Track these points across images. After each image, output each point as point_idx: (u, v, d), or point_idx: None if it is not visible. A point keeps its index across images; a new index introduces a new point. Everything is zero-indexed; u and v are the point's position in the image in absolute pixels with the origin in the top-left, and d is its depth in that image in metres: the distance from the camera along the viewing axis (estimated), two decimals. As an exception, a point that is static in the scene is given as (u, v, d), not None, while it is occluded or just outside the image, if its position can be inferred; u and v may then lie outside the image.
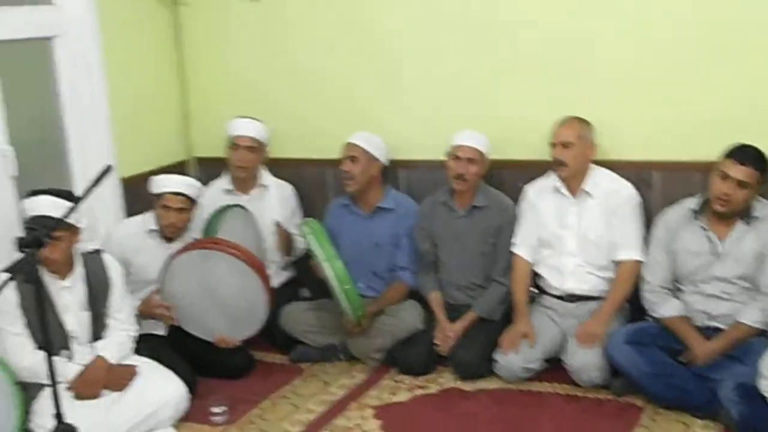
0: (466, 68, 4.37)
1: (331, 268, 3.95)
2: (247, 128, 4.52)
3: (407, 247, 4.30)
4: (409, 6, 4.45)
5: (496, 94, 4.32)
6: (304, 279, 4.70)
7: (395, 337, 4.13)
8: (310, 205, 4.75)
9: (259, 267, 3.99)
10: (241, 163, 4.52)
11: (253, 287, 3.97)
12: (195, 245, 4.03)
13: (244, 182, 4.59)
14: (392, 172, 4.50)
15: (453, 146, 4.11)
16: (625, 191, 3.94)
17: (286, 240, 4.54)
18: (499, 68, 4.30)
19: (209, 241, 4.07)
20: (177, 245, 4.09)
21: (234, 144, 4.52)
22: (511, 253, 4.08)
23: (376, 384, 4.00)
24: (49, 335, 2.98)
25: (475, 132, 4.14)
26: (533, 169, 4.19)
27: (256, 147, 4.54)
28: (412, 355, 4.06)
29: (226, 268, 3.95)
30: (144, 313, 3.99)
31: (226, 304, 4.01)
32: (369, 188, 4.31)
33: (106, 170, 2.89)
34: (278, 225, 4.50)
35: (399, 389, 3.94)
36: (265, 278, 4.00)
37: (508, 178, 4.32)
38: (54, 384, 2.95)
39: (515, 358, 3.88)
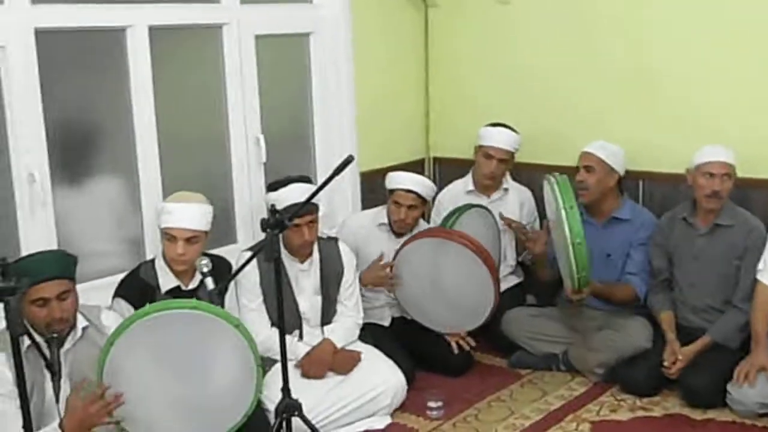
0: (717, 75, 4.13)
1: (567, 218, 3.75)
2: (502, 140, 4.46)
3: (638, 257, 4.13)
4: (658, 5, 4.28)
5: (750, 107, 4.06)
6: (530, 285, 4.65)
7: (620, 354, 3.98)
8: (542, 211, 4.69)
9: (489, 260, 3.98)
10: (493, 174, 4.49)
11: (481, 281, 3.97)
12: (428, 233, 4.09)
13: (488, 187, 4.60)
14: (629, 183, 4.33)
15: (703, 162, 3.84)
16: None
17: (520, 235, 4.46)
18: (757, 77, 4.03)
19: (442, 231, 4.11)
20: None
21: (486, 154, 4.47)
22: (755, 279, 3.80)
23: (596, 399, 3.88)
24: (283, 314, 3.15)
25: (722, 146, 3.90)
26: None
27: (508, 159, 4.52)
28: (637, 374, 3.90)
29: (456, 259, 3.98)
30: (366, 281, 4.08)
31: (453, 295, 4.05)
32: (603, 199, 4.17)
33: (348, 160, 3.01)
34: (507, 220, 4.46)
35: (620, 408, 3.80)
36: (494, 273, 4.00)
37: (756, 199, 4.05)
38: (284, 360, 3.12)
39: (750, 392, 3.61)
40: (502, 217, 4.45)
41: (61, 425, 2.83)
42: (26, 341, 2.81)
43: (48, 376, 2.91)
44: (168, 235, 3.38)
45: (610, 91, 4.47)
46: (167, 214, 3.38)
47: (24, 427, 2.41)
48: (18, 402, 2.72)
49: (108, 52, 3.74)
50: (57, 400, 2.92)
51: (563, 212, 3.77)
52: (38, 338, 2.88)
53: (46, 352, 2.91)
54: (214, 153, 4.22)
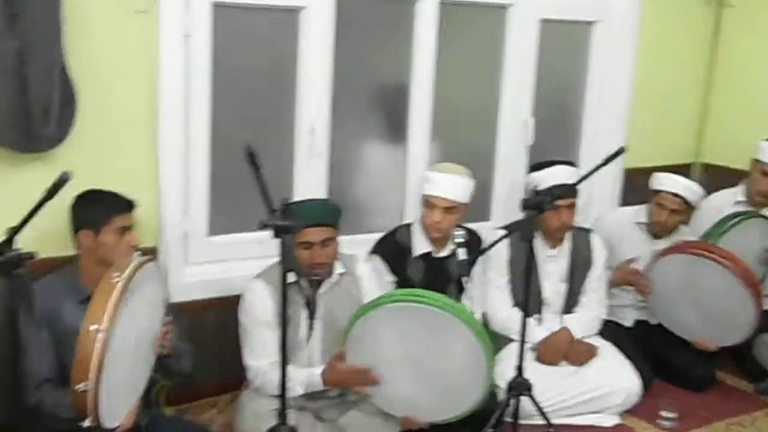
0: None
1: None
2: None
3: None
4: None
5: None
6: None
7: None
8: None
9: (752, 282, 3.76)
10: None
11: (741, 302, 3.74)
12: (688, 248, 3.92)
13: (760, 203, 4.31)
14: None
15: None
16: None
17: None
18: None
19: (703, 247, 3.94)
20: (662, 243, 4.06)
21: (764, 171, 4.20)
22: None
23: None
24: (528, 296, 3.18)
25: None
26: None
27: None
28: None
29: (715, 278, 3.78)
30: (617, 281, 4.01)
31: (708, 309, 3.87)
32: None
33: (620, 151, 2.97)
34: None
35: None
36: (758, 296, 3.76)
37: None
38: (522, 341, 3.15)
39: None
40: None
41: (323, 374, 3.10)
42: (291, 278, 3.05)
43: (303, 314, 3.15)
44: (428, 202, 3.51)
45: None
46: (431, 182, 3.50)
47: (281, 356, 2.61)
48: (274, 333, 3.00)
49: (397, 21, 3.91)
50: (308, 338, 3.16)
51: None
52: (300, 278, 3.12)
53: (306, 291, 3.15)
54: (482, 130, 4.30)
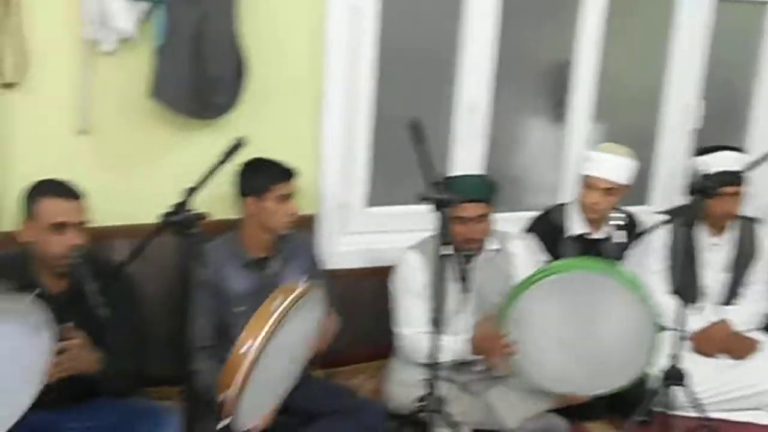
0: None
1: None
2: None
3: None
4: None
5: None
6: None
7: None
8: None
9: None
10: None
11: None
12: None
13: None
14: None
15: None
16: None
17: None
18: None
19: None
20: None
21: None
22: None
23: None
24: (686, 284, 3.08)
25: None
26: None
27: None
28: None
29: None
30: None
31: None
32: None
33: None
34: None
35: None
36: None
37: None
38: (682, 331, 3.06)
39: None
40: None
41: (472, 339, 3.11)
42: (444, 251, 3.07)
43: (455, 287, 3.18)
44: (588, 183, 3.45)
45: None
46: (592, 162, 3.45)
47: (433, 326, 2.64)
48: (424, 303, 3.04)
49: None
50: (460, 311, 3.18)
51: None
52: (454, 252, 3.14)
53: (459, 265, 3.17)
54: (646, 111, 4.19)
